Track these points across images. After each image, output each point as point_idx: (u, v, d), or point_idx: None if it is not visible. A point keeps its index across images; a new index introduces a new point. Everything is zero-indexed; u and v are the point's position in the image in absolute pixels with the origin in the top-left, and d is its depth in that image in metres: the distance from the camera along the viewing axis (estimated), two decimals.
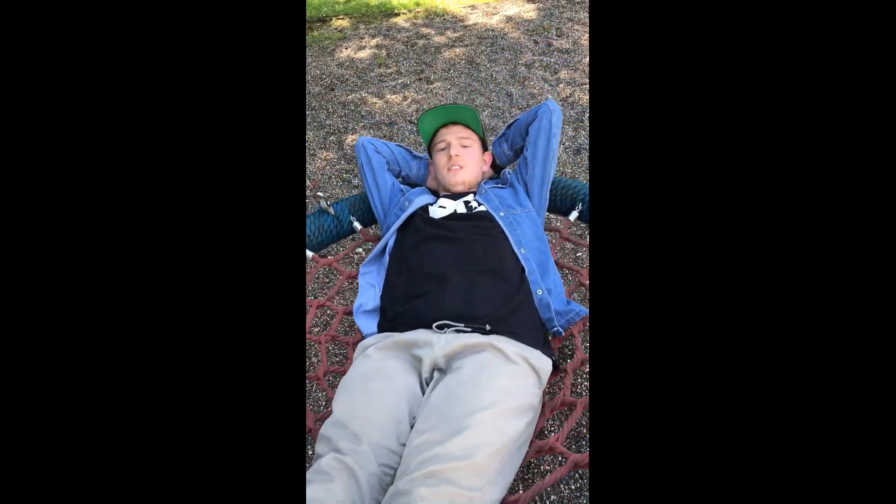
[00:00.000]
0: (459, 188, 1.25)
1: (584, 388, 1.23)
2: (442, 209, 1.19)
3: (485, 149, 1.35)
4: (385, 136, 2.34)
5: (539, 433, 0.86)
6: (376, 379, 0.81)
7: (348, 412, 0.73)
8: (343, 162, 2.21)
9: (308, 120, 2.54)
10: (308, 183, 1.40)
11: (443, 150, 1.27)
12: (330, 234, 1.37)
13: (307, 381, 1.28)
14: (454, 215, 1.17)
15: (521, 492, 0.88)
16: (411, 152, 1.39)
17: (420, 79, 2.79)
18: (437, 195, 1.29)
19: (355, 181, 2.04)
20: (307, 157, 2.24)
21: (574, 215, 1.31)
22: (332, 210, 1.36)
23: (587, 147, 2.07)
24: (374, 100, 2.64)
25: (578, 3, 3.48)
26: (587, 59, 2.76)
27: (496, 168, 1.39)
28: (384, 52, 3.10)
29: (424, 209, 1.20)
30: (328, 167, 2.17)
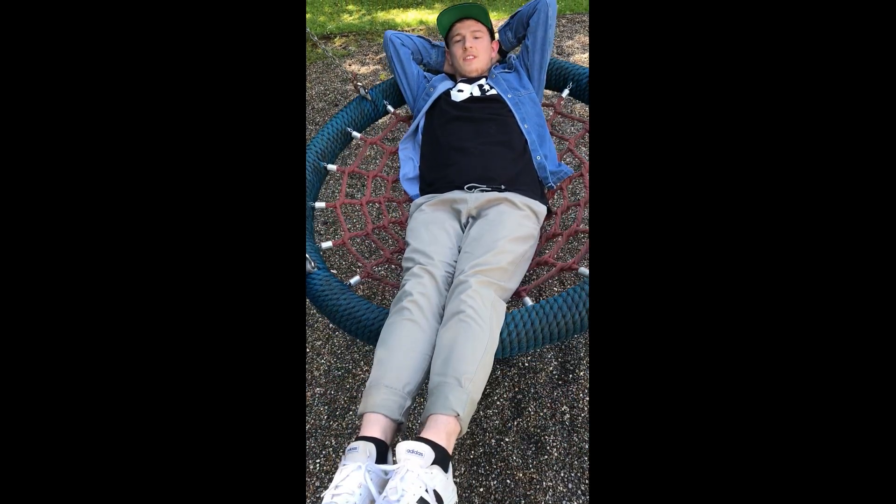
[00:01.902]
0: (474, 74, 1.55)
1: (567, 223, 1.69)
2: (461, 93, 1.51)
3: (493, 38, 1.62)
4: (388, 152, 2.42)
5: (538, 252, 1.32)
6: (432, 223, 1.24)
7: (420, 244, 1.18)
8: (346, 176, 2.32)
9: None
10: (349, 75, 1.68)
11: (458, 42, 1.55)
12: (369, 116, 1.70)
13: (378, 231, 1.70)
14: (471, 98, 1.49)
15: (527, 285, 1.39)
16: (430, 41, 1.66)
17: None
18: (454, 80, 1.60)
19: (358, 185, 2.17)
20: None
21: (566, 92, 1.63)
22: (369, 97, 1.67)
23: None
24: None
25: (579, 22, 3.31)
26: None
27: (502, 53, 1.67)
28: (388, 69, 3.06)
29: (447, 94, 1.52)
30: (332, 180, 2.30)
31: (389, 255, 1.40)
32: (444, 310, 1.05)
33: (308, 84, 3.10)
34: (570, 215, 1.84)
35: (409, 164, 1.54)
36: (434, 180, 1.40)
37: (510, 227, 1.18)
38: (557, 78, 1.64)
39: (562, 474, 1.23)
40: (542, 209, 1.31)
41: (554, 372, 1.47)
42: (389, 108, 1.70)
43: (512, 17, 1.59)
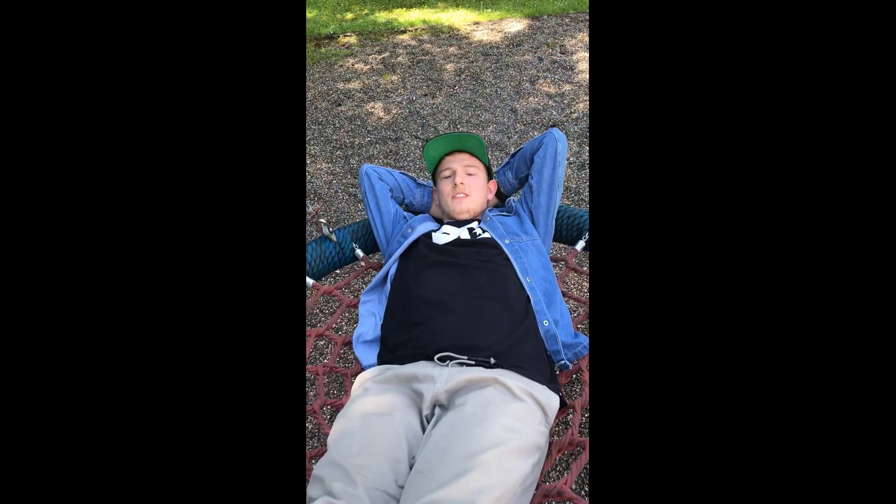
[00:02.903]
0: (464, 216, 1.23)
1: None
2: (446, 235, 1.17)
3: (490, 177, 1.34)
4: (391, 151, 2.36)
5: (546, 475, 0.81)
6: (374, 415, 0.77)
7: (344, 451, 0.69)
8: (349, 176, 2.22)
9: (315, 135, 2.58)
10: (309, 209, 1.38)
11: (448, 177, 1.26)
12: (331, 261, 1.34)
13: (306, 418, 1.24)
14: (458, 241, 1.14)
15: None
16: (415, 180, 1.38)
17: (425, 94, 2.84)
18: (440, 223, 1.27)
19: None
20: (314, 172, 2.26)
21: (581, 245, 1.29)
22: (334, 237, 1.34)
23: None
24: (381, 115, 2.69)
25: (582, 21, 3.57)
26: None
27: (501, 196, 1.37)
28: (390, 69, 3.17)
29: (428, 235, 1.18)
30: (335, 181, 2.18)
31: (308, 462, 0.88)
32: None
33: (311, 84, 2.96)
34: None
35: (369, 321, 1.13)
36: (397, 345, 0.97)
37: (501, 430, 0.71)
38: (569, 228, 1.31)
39: (564, 474, 1.03)
40: (551, 401, 0.85)
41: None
42: (359, 252, 1.36)
43: (513, 156, 1.33)
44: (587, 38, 3.26)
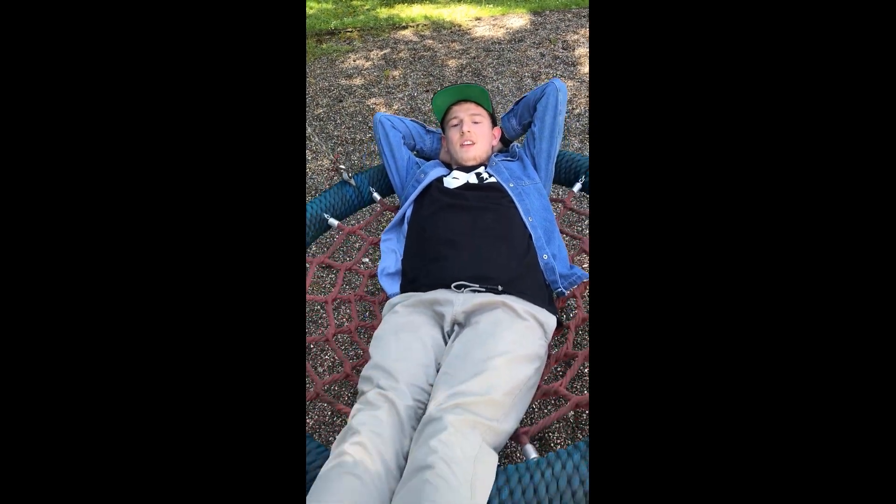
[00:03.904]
0: (471, 162, 1.35)
1: (585, 342, 1.38)
2: (455, 180, 1.29)
3: (494, 124, 1.44)
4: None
5: (545, 379, 0.99)
6: (405, 331, 0.94)
7: (385, 357, 0.87)
8: (351, 173, 2.28)
9: (317, 130, 2.58)
10: (331, 156, 1.50)
11: (455, 126, 1.37)
12: (352, 204, 1.48)
13: (342, 335, 1.43)
14: (467, 185, 1.27)
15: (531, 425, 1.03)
16: (425, 127, 1.49)
17: (427, 90, 2.83)
18: (450, 168, 1.39)
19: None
20: (315, 168, 2.30)
21: (577, 187, 1.42)
22: (353, 182, 1.46)
23: None
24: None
25: (584, 16, 3.50)
26: None
27: (505, 142, 1.49)
28: (392, 64, 3.14)
29: (439, 180, 1.30)
30: (336, 177, 2.24)
31: (350, 370, 1.07)
32: (406, 458, 0.71)
33: (312, 80, 3.00)
34: (587, 330, 1.52)
35: (390, 257, 1.28)
36: (417, 277, 1.12)
37: (508, 343, 0.87)
38: (567, 171, 1.43)
39: (559, 379, 1.05)
40: (550, 320, 1.02)
41: (558, 368, 1.35)
42: (376, 195, 1.49)
43: (517, 104, 1.42)
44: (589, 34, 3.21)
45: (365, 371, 0.87)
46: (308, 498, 0.68)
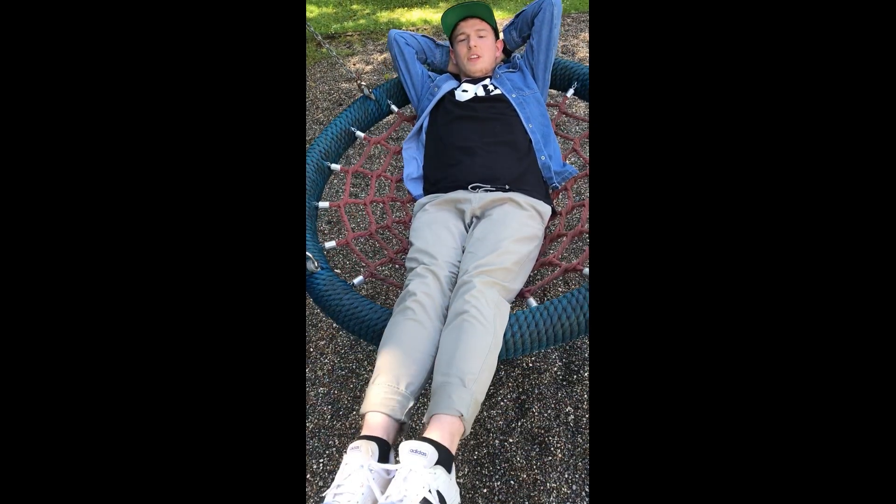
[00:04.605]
0: (478, 74, 1.55)
1: (572, 224, 1.69)
2: (465, 93, 1.50)
3: (497, 37, 1.61)
4: (392, 152, 2.44)
5: (542, 253, 1.31)
6: (436, 223, 1.24)
7: (424, 243, 1.17)
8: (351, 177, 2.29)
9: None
10: (353, 74, 1.68)
11: (463, 41, 1.54)
12: (373, 116, 1.69)
13: (382, 231, 1.71)
14: (476, 98, 1.48)
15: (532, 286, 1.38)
16: (434, 41, 1.65)
17: None
18: (458, 79, 1.59)
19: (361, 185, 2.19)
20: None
21: (571, 92, 1.63)
22: (373, 96, 1.67)
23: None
24: None
25: (584, 21, 3.31)
26: None
27: (507, 52, 1.66)
28: (392, 68, 3.06)
29: (451, 93, 1.51)
30: (336, 180, 2.30)
31: (393, 255, 1.39)
32: (447, 310, 1.05)
33: (312, 83, 3.09)
34: (574, 215, 1.83)
35: (412, 163, 1.54)
36: (438, 180, 1.39)
37: (514, 228, 1.17)
38: (562, 77, 1.63)
39: (566, 476, 1.24)
40: (546, 209, 1.31)
41: (558, 373, 1.47)
42: (393, 107, 1.70)
43: (517, 17, 1.58)
44: (589, 38, 3.03)
45: (410, 254, 1.18)
46: (382, 339, 1.02)
